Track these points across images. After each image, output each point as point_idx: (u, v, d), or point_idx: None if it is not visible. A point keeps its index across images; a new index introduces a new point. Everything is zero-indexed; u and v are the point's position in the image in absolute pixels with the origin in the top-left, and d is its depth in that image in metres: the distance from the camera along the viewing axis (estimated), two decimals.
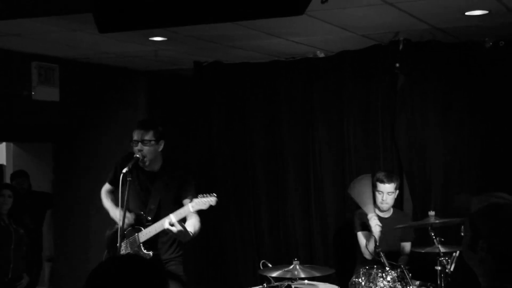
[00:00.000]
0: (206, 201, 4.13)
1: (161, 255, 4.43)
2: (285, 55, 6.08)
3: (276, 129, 6.25)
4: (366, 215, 5.21)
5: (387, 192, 5.06)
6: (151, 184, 4.44)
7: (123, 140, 6.70)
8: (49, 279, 7.61)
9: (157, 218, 4.31)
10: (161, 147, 4.41)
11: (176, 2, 3.28)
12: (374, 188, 5.12)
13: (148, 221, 4.35)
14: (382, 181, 5.05)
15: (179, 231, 4.11)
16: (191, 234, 4.24)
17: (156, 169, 4.47)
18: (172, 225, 4.10)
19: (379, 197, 5.10)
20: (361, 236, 5.21)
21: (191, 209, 4.13)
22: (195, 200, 4.14)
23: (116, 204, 4.42)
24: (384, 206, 5.12)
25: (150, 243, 4.36)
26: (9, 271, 5.45)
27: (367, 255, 4.95)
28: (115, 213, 4.50)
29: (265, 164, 6.32)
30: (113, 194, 4.70)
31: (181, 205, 4.31)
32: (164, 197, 4.39)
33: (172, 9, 3.30)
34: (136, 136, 4.35)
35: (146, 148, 4.33)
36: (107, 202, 4.66)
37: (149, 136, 4.34)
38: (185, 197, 4.35)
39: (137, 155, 4.32)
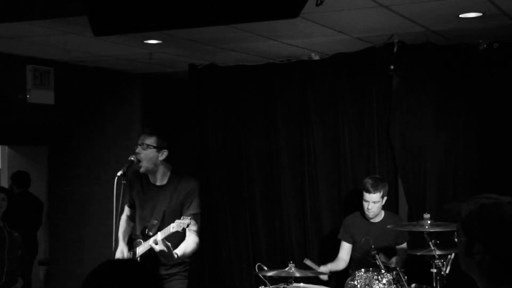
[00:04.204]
0: (181, 223, 4.04)
1: (162, 270, 4.33)
2: (280, 58, 6.09)
3: (271, 131, 6.25)
4: (351, 225, 5.27)
5: (372, 201, 5.08)
6: (156, 198, 4.35)
7: (118, 143, 6.74)
8: (44, 282, 7.60)
9: (157, 231, 4.22)
10: (162, 157, 4.28)
11: (171, 5, 3.28)
12: (361, 196, 5.15)
13: (149, 236, 4.28)
14: (368, 191, 5.07)
15: (161, 251, 4.04)
16: (175, 256, 4.15)
17: (158, 183, 4.38)
18: (156, 243, 4.04)
19: (365, 205, 5.13)
20: (342, 246, 5.33)
21: (171, 230, 4.05)
22: (177, 221, 4.06)
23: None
24: (370, 214, 5.15)
25: (148, 257, 4.28)
26: (3, 274, 5.43)
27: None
28: (119, 249, 4.42)
29: (260, 166, 6.32)
30: (133, 220, 4.57)
31: None
32: (167, 213, 4.30)
33: (167, 12, 3.30)
34: (139, 139, 4.29)
35: (144, 152, 4.24)
36: (120, 235, 4.54)
37: (150, 141, 4.24)
38: (186, 215, 4.24)
39: (132, 158, 4.28)
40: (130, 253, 4.39)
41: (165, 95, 7.02)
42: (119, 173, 4.11)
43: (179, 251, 4.20)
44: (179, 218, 4.14)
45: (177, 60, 6.15)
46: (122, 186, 4.10)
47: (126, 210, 4.59)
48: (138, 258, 4.32)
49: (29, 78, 5.82)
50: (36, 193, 7.58)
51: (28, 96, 5.82)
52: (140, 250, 4.31)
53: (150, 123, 6.77)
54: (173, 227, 4.05)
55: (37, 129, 6.93)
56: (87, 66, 6.36)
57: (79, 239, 6.92)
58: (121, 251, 4.42)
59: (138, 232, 4.45)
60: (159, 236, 4.07)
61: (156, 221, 4.29)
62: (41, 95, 5.93)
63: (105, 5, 3.40)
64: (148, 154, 4.25)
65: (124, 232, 4.58)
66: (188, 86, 6.57)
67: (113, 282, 1.71)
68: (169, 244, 4.09)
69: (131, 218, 4.59)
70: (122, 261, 1.83)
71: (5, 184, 7.61)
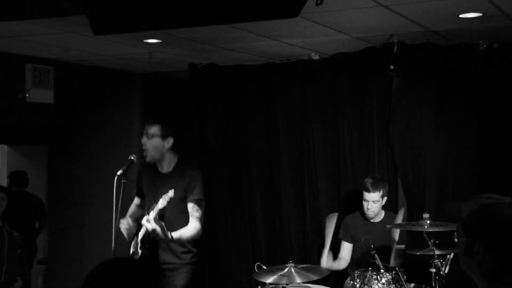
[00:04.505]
0: (164, 198, 4.07)
1: (168, 257, 4.36)
2: (279, 57, 6.09)
3: (271, 130, 6.25)
4: (351, 225, 5.27)
5: (372, 200, 5.08)
6: (161, 185, 4.37)
7: (118, 142, 6.73)
8: (43, 282, 7.60)
9: (161, 218, 4.23)
10: (167, 145, 4.34)
11: (171, 5, 3.28)
12: (361, 196, 5.15)
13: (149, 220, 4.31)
14: (367, 190, 5.07)
15: (153, 230, 4.03)
16: (169, 237, 4.12)
17: (165, 171, 4.42)
18: (148, 222, 4.04)
19: (364, 205, 5.14)
20: (343, 245, 5.35)
21: (160, 206, 4.07)
22: (163, 196, 4.08)
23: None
24: (370, 214, 5.15)
25: (149, 242, 4.29)
26: (2, 274, 5.42)
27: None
28: (124, 220, 4.40)
29: (260, 165, 6.32)
30: (142, 208, 4.61)
31: (186, 208, 4.30)
32: (172, 199, 4.29)
33: (166, 11, 3.30)
34: (144, 129, 4.33)
35: (149, 142, 4.29)
36: (127, 214, 4.57)
37: (154, 130, 4.30)
38: (189, 200, 4.29)
39: (131, 157, 4.30)
40: (135, 239, 4.40)
41: (165, 94, 7.01)
42: (119, 173, 4.12)
43: (176, 233, 4.18)
44: (184, 204, 4.18)
45: (176, 60, 6.15)
46: (122, 185, 4.11)
47: (136, 200, 4.65)
48: (139, 243, 4.30)
49: (29, 78, 5.82)
50: (36, 192, 7.58)
51: (27, 95, 5.82)
52: (140, 234, 4.33)
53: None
54: (161, 203, 4.06)
55: (36, 129, 6.93)
56: (86, 65, 6.36)
57: (78, 239, 6.92)
58: (127, 221, 4.35)
59: (133, 227, 4.47)
60: (151, 215, 4.06)
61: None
62: (40, 95, 5.93)
63: (105, 4, 3.40)
64: (154, 143, 4.30)
65: (132, 214, 4.61)
66: (188, 86, 6.57)
67: (113, 281, 1.71)
68: (162, 223, 4.08)
69: (140, 206, 4.63)
70: (122, 260, 1.82)
71: (4, 183, 7.61)
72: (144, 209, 4.57)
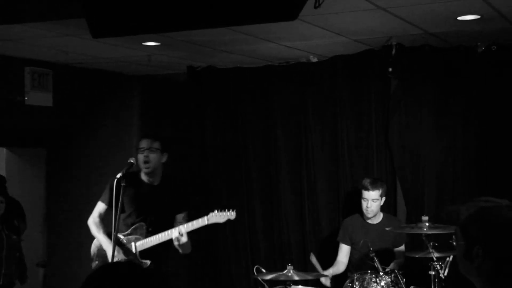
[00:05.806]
0: (224, 215, 4.39)
1: (163, 267, 4.55)
2: (278, 60, 6.09)
3: (270, 133, 6.25)
4: (350, 227, 5.27)
5: (371, 199, 5.09)
6: (150, 197, 4.57)
7: (117, 145, 6.73)
8: (42, 285, 7.58)
9: (155, 229, 4.45)
10: (164, 159, 4.60)
11: (169, 8, 3.28)
12: (360, 195, 5.16)
13: (149, 231, 4.46)
14: (366, 188, 5.08)
15: (187, 242, 4.34)
16: (190, 249, 4.49)
17: (156, 183, 4.62)
18: (181, 235, 4.30)
19: (363, 204, 5.14)
20: (341, 248, 5.32)
21: (207, 222, 4.37)
22: (211, 213, 4.37)
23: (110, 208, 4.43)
24: (369, 213, 5.15)
25: (148, 253, 4.46)
26: (0, 276, 5.41)
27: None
28: (108, 246, 4.51)
29: (259, 168, 6.32)
30: (104, 220, 4.73)
31: (173, 219, 4.53)
32: (163, 210, 4.54)
33: (165, 14, 3.31)
34: (144, 144, 4.54)
35: (152, 156, 4.51)
36: (98, 233, 4.70)
37: (156, 145, 4.54)
38: (179, 212, 4.60)
39: (131, 160, 4.35)
40: (123, 248, 4.52)
41: (164, 97, 7.01)
42: (118, 175, 4.17)
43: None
44: (171, 218, 4.42)
45: (175, 62, 6.15)
46: (122, 188, 4.13)
47: (101, 209, 4.69)
48: (138, 254, 4.47)
49: (28, 80, 5.82)
50: (35, 195, 7.55)
51: (26, 98, 5.82)
52: (142, 246, 4.48)
53: (149, 125, 6.77)
54: (208, 219, 4.38)
55: (35, 131, 6.92)
56: (85, 68, 6.36)
57: (77, 242, 6.89)
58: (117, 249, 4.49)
59: (126, 231, 4.57)
60: (184, 228, 4.33)
61: (153, 218, 4.50)
62: (39, 97, 5.93)
63: (104, 7, 3.40)
64: (156, 157, 4.54)
65: (102, 231, 4.72)
66: (187, 88, 6.57)
67: (113, 282, 1.71)
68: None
69: (103, 216, 4.73)
70: (122, 262, 1.82)
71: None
72: (104, 218, 4.67)
